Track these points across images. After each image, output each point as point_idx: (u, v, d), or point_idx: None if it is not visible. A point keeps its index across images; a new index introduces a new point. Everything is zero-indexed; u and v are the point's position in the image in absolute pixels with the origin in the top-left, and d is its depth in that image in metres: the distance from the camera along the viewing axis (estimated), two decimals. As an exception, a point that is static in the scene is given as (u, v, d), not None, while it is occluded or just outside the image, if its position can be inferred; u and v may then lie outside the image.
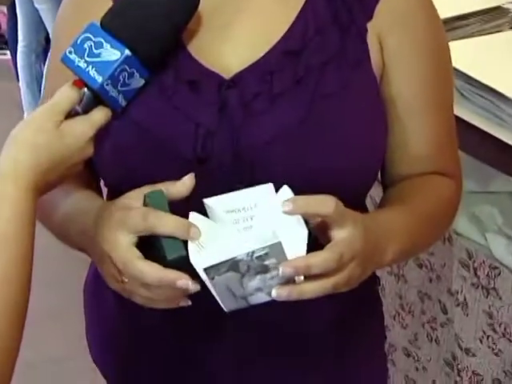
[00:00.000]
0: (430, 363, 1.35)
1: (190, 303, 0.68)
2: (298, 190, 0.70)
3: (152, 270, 0.65)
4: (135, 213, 0.66)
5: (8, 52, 3.50)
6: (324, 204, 0.65)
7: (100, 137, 0.74)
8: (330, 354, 0.85)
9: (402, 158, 0.81)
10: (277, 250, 0.61)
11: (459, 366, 1.27)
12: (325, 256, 0.63)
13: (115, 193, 0.80)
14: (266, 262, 0.62)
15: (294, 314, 0.80)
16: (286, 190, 0.66)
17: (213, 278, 0.62)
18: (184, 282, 0.64)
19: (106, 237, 0.68)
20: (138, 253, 0.66)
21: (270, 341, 0.82)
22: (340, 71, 0.75)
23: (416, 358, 1.39)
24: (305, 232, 0.64)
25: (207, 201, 0.67)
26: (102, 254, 0.69)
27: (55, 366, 1.98)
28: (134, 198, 0.69)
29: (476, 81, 1.08)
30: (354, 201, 0.77)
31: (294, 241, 0.63)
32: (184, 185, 0.68)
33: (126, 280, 0.67)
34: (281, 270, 0.61)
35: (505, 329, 1.15)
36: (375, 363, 0.94)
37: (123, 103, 0.72)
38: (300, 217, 0.64)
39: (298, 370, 0.85)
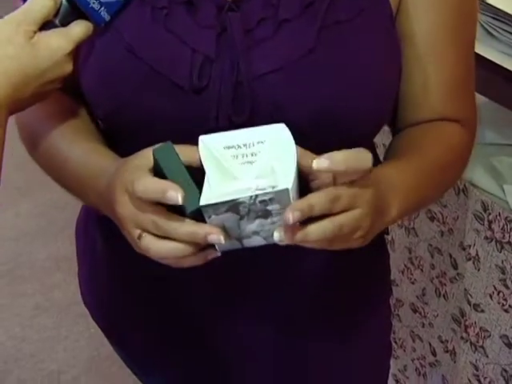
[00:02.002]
0: (437, 319, 1.32)
1: (219, 254, 0.63)
2: (302, 126, 0.65)
3: (185, 225, 0.60)
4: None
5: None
6: (363, 158, 0.59)
7: (88, 63, 0.69)
8: (330, 306, 0.83)
9: (416, 102, 0.75)
10: (283, 196, 0.56)
11: (467, 322, 1.24)
12: (320, 194, 0.58)
13: (108, 127, 0.75)
14: (269, 207, 0.57)
15: (289, 262, 0.77)
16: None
17: (209, 217, 0.58)
18: (215, 236, 0.58)
19: (121, 201, 0.62)
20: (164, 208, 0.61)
21: (263, 288, 0.79)
22: None
23: (423, 314, 1.36)
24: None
25: (204, 137, 0.62)
26: (119, 217, 0.64)
27: (62, 310, 2.05)
28: (145, 157, 0.63)
29: (505, 14, 0.99)
30: (361, 142, 0.72)
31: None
32: None
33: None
34: (290, 216, 0.55)
35: (517, 284, 1.11)
36: (378, 317, 0.92)
37: (106, 17, 0.67)
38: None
39: (294, 323, 0.82)
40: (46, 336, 1.98)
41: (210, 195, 0.58)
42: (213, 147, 0.61)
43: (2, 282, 2.14)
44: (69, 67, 0.66)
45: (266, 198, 0.56)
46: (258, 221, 0.58)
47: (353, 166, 0.58)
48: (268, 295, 0.80)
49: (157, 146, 0.61)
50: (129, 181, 0.61)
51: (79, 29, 0.66)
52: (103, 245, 0.86)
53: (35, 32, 0.64)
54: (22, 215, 2.38)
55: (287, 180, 0.57)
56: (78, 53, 0.68)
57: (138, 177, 0.60)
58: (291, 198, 0.57)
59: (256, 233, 0.60)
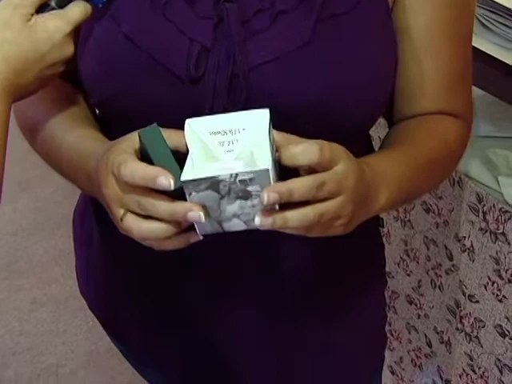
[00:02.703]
0: (433, 310, 1.33)
1: (201, 238, 0.63)
2: (297, 117, 0.66)
3: (165, 203, 0.60)
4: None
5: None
6: (307, 154, 0.59)
7: (87, 50, 0.69)
8: (321, 295, 0.83)
9: (412, 95, 0.76)
10: (263, 177, 0.57)
11: (462, 313, 1.25)
12: (304, 179, 0.59)
13: (104, 113, 0.76)
14: (249, 188, 0.58)
15: (278, 251, 0.77)
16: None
17: (190, 194, 0.58)
18: (195, 213, 0.58)
19: (107, 182, 0.63)
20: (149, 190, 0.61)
21: (252, 277, 0.80)
22: None
23: (418, 305, 1.37)
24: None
25: (190, 121, 0.62)
26: (105, 198, 0.64)
27: (60, 305, 2.06)
28: (131, 140, 0.63)
29: (501, 7, 0.99)
30: (356, 135, 0.73)
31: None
32: None
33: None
34: (266, 196, 0.56)
35: (511, 275, 1.12)
36: (373, 308, 0.92)
37: None
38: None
39: (284, 312, 0.83)
40: (44, 330, 1.99)
41: (191, 172, 0.59)
42: (199, 131, 0.62)
43: (0, 276, 2.15)
44: (69, 49, 0.66)
45: (246, 177, 0.57)
46: (238, 202, 0.59)
47: (299, 162, 0.59)
48: (261, 285, 0.80)
49: (143, 128, 0.62)
50: (114, 163, 0.61)
51: (77, 9, 0.66)
52: (100, 236, 0.87)
53: (32, 15, 0.63)
54: (19, 210, 2.38)
55: (268, 161, 0.58)
56: (77, 39, 0.69)
57: (124, 160, 0.61)
58: (271, 179, 0.57)
59: (236, 215, 0.60)
